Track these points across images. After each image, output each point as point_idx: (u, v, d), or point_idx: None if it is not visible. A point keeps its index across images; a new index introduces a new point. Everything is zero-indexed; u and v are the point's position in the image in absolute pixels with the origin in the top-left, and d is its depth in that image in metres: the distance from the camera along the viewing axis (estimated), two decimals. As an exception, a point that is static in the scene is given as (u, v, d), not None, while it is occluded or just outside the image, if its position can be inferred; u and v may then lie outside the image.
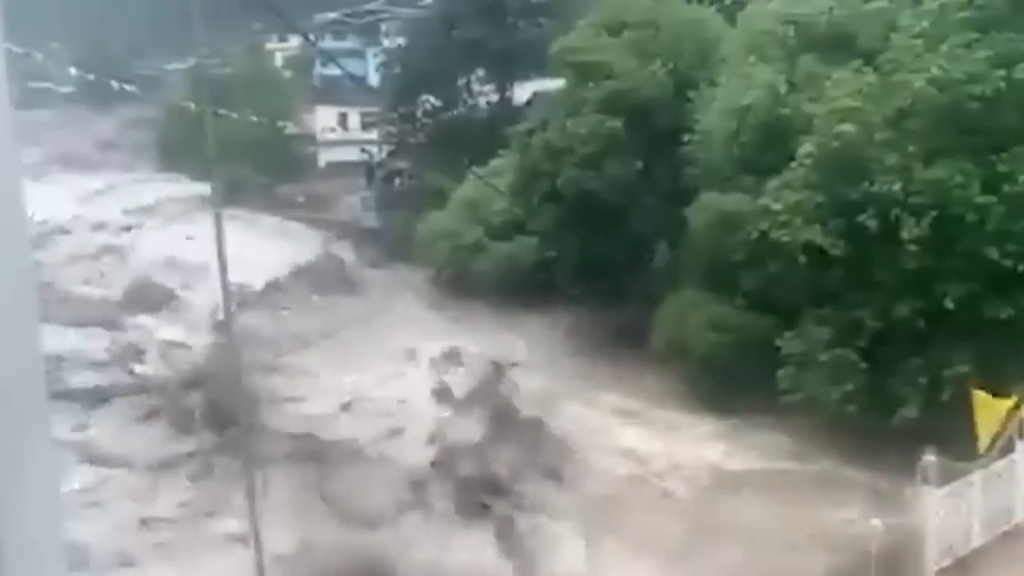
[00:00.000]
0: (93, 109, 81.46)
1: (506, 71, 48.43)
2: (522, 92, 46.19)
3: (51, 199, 58.84)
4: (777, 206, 25.12)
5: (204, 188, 60.59)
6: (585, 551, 20.29)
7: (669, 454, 25.02)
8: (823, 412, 24.21)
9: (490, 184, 33.07)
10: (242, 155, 59.79)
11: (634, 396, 28.89)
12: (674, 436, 26.10)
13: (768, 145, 26.72)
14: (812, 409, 24.45)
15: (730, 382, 26.52)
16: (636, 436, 26.13)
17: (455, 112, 47.48)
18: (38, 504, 1.25)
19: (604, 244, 32.05)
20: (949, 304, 22.48)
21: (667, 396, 28.82)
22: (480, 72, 49.74)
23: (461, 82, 49.90)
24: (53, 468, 1.32)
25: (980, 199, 22.82)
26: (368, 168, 53.83)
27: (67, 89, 77.43)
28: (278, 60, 72.99)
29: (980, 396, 19.13)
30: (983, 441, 18.75)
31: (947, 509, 17.79)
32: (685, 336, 28.05)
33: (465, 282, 38.57)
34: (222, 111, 55.13)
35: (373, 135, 54.62)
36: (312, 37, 62.12)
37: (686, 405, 28.04)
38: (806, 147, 25.19)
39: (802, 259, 24.56)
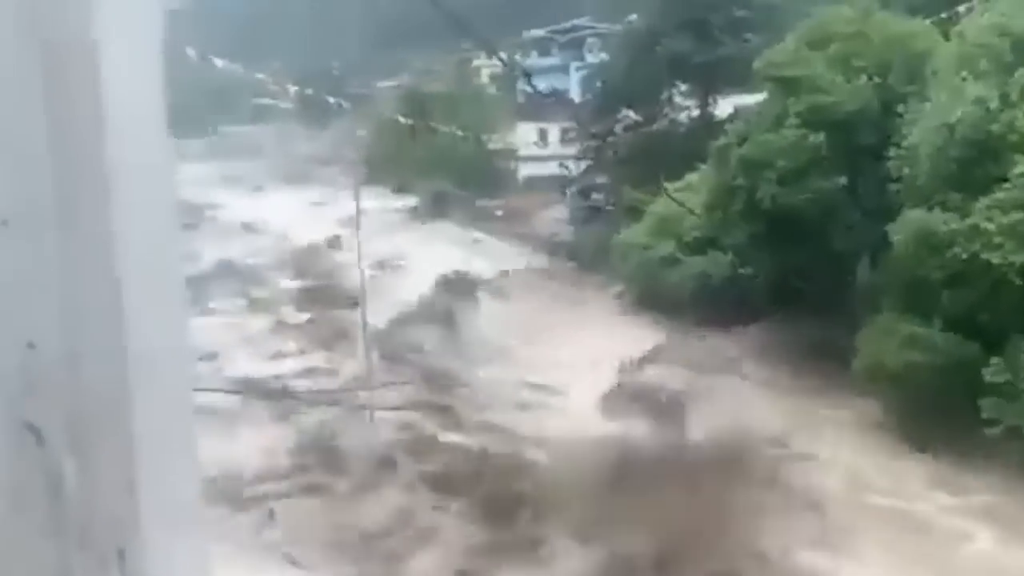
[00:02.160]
0: (310, 124, 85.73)
1: (708, 86, 48.00)
2: (724, 107, 45.72)
3: (270, 209, 62.52)
4: (989, 226, 24.09)
5: (409, 200, 63.20)
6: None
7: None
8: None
9: (675, 199, 32.92)
10: (446, 169, 61.78)
11: (829, 421, 28.10)
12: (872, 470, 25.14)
13: (978, 163, 25.58)
14: (1015, 442, 23.18)
15: (930, 409, 25.46)
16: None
17: (654, 127, 47.44)
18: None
19: (802, 261, 31.34)
20: None
21: (864, 422, 27.93)
22: (682, 87, 49.53)
23: (662, 97, 49.82)
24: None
25: None
26: (565, 183, 54.45)
27: (287, 105, 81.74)
28: (484, 77, 74.81)
29: None
30: None
31: None
32: (884, 359, 27.03)
33: (656, 295, 38.46)
34: (431, 124, 57.11)
35: (572, 150, 55.21)
36: (504, 57, 63.44)
37: (883, 434, 27.07)
38: (1022, 166, 24.08)
39: (1017, 282, 23.46)
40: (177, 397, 1.28)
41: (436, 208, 60.50)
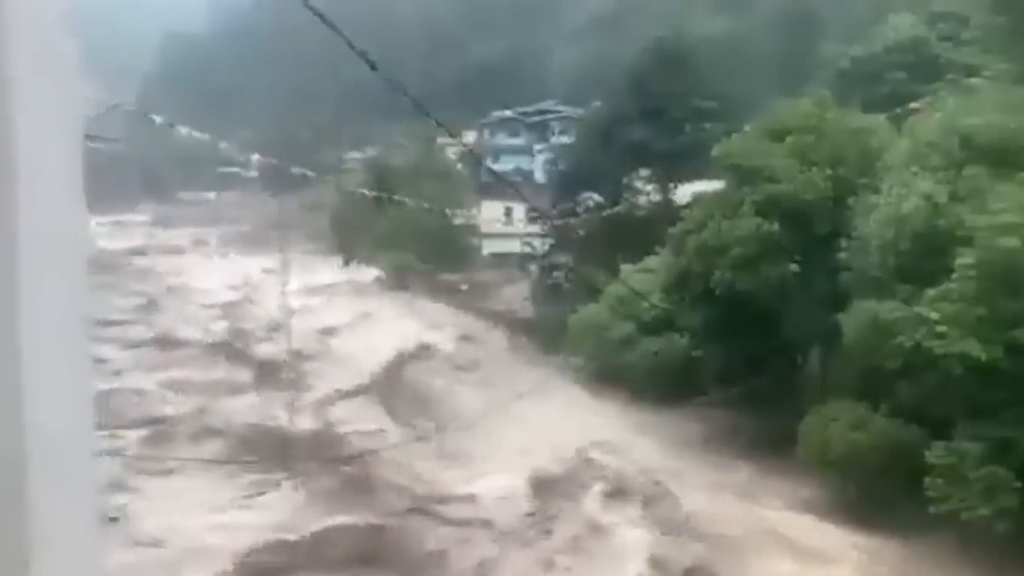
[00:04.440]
0: (273, 193, 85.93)
1: (669, 172, 49.01)
2: (684, 193, 46.62)
3: (226, 274, 62.41)
4: (934, 316, 24.57)
5: (372, 272, 63.31)
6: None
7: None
8: (971, 527, 23.25)
9: (627, 284, 33.48)
10: (410, 242, 62.08)
11: (777, 504, 28.27)
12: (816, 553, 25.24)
13: (926, 255, 26.22)
14: (960, 524, 23.48)
15: (876, 492, 25.85)
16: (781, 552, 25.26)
17: (615, 209, 48.23)
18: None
19: (754, 346, 31.80)
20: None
21: (810, 505, 28.10)
22: (643, 172, 50.52)
23: (623, 181, 50.76)
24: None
25: None
26: (528, 260, 54.98)
27: (252, 174, 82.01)
28: (451, 153, 75.63)
29: None
30: None
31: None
32: (831, 444, 27.41)
33: (614, 373, 38.79)
34: (395, 197, 57.55)
35: (537, 228, 55.89)
36: (471, 140, 64.40)
37: (829, 516, 27.23)
38: (966, 259, 24.69)
39: (958, 371, 23.84)
40: (78, 477, 1.24)
41: (398, 280, 60.74)
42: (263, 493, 28.00)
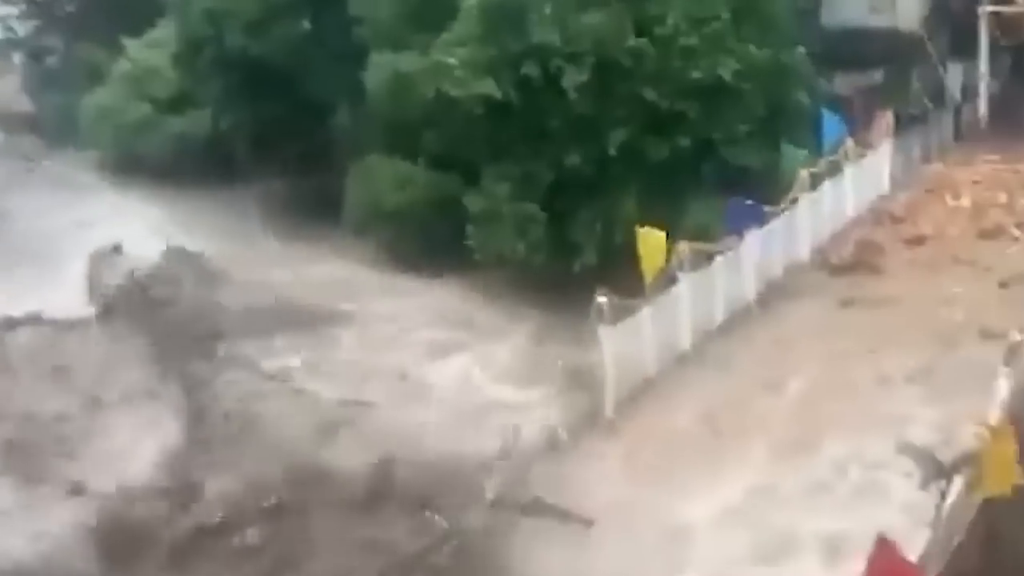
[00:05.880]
0: None
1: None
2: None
3: None
4: (451, 61, 25.12)
5: None
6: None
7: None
8: (512, 265, 25.02)
9: (135, 61, 30.90)
10: None
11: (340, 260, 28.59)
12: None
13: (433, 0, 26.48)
14: (502, 263, 25.17)
15: (426, 243, 26.84)
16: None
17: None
18: None
19: (279, 112, 31.06)
20: (612, 150, 23.58)
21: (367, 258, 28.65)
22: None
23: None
24: None
25: (633, 43, 23.85)
26: (11, 46, 48.82)
27: None
28: None
29: (641, 233, 20.27)
30: (648, 277, 20.00)
31: (621, 343, 18.99)
32: (376, 201, 27.81)
33: (138, 161, 36.44)
34: None
35: (15, 9, 49.43)
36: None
37: (387, 265, 28.06)
38: (470, 0, 25.30)
39: (479, 112, 24.75)
40: None
41: None
42: None
